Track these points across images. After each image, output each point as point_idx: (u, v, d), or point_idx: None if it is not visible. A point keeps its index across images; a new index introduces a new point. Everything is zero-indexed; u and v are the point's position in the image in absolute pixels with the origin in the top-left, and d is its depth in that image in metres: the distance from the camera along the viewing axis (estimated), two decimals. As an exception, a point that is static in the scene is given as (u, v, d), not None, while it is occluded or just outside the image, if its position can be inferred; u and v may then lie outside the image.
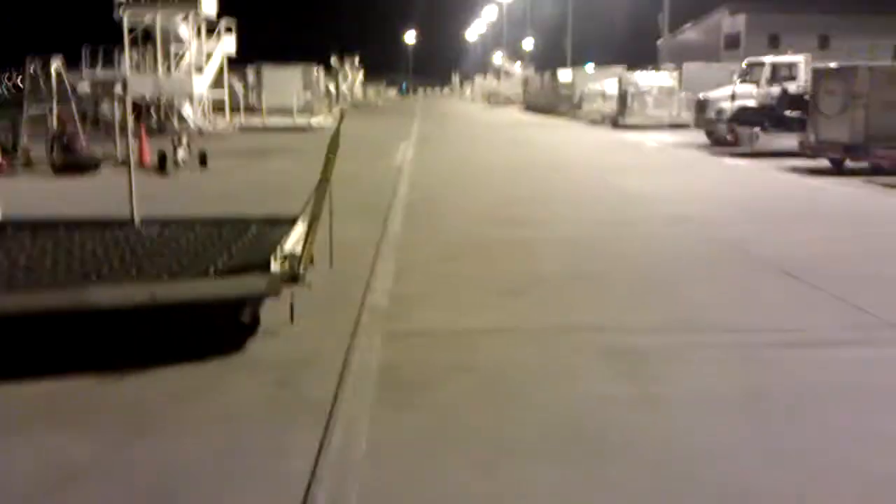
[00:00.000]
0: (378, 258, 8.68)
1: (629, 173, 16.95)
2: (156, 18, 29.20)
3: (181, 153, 17.84)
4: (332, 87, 52.06)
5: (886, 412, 4.68)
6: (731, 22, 60.09)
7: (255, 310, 5.84)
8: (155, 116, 30.25)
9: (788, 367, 5.33)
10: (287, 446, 4.17)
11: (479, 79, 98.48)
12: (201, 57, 31.06)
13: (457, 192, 14.52)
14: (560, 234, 10.20)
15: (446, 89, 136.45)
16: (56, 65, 19.12)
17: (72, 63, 32.91)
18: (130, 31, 29.77)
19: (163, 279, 5.65)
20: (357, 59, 78.75)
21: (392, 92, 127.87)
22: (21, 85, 22.93)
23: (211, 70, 31.71)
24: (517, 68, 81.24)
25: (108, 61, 31.40)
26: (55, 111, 18.68)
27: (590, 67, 49.38)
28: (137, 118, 30.46)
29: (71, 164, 17.13)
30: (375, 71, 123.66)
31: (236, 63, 44.58)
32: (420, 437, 4.30)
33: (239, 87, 43.27)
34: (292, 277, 5.89)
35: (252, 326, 5.95)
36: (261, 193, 14.00)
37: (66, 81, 19.97)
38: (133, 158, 18.37)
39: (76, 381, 5.02)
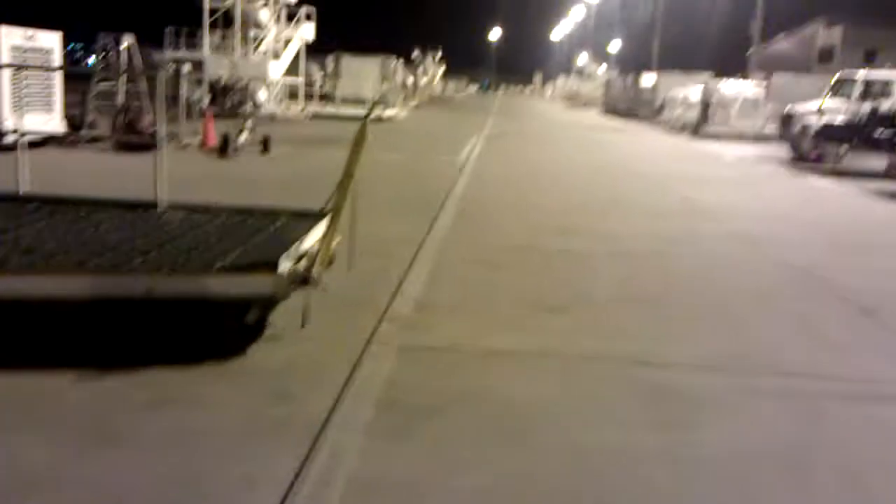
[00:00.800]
0: (415, 261, 8.17)
1: (701, 186, 16.07)
2: (236, 2, 29.30)
3: (244, 137, 17.66)
4: (410, 80, 51.69)
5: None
6: (826, 34, 57.75)
7: (262, 311, 5.39)
8: (230, 99, 30.46)
9: (850, 427, 4.61)
10: (256, 474, 3.67)
11: (561, 79, 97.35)
12: (279, 42, 31.13)
13: (516, 194, 13.91)
14: (618, 248, 9.51)
15: (528, 88, 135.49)
16: (128, 42, 19.14)
17: (158, 44, 33.68)
18: (212, 13, 29.95)
19: (163, 272, 5.24)
20: (439, 54, 78.61)
21: (473, 88, 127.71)
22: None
23: (288, 56, 31.75)
24: (601, 70, 79.86)
25: (192, 44, 31.74)
26: (123, 88, 18.70)
27: (664, 75, 47.89)
28: (213, 100, 30.95)
29: (133, 141, 17.15)
30: (458, 66, 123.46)
31: (316, 51, 44.88)
32: (407, 478, 3.76)
33: (318, 74, 43.41)
34: (304, 279, 5.44)
35: (258, 329, 5.52)
36: (312, 183, 13.61)
37: (139, 59, 20.06)
38: (197, 139, 18.64)
39: (53, 378, 4.64)
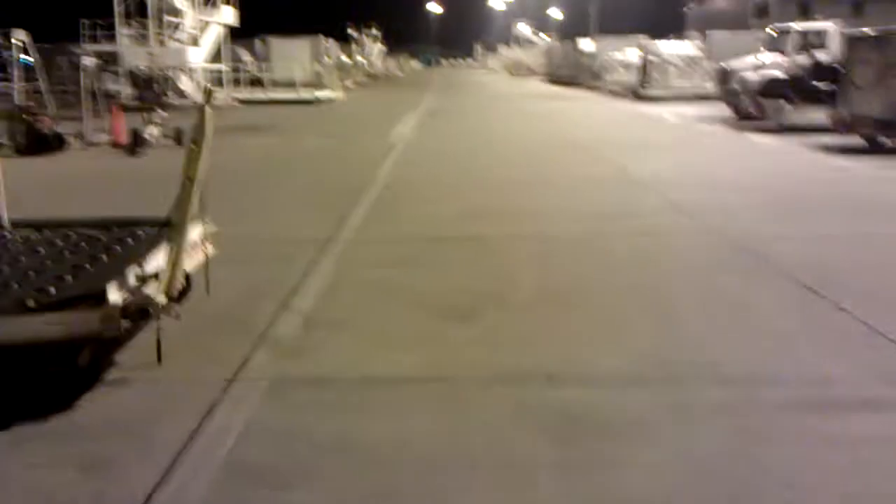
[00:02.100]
0: (316, 264, 7.24)
1: (642, 153, 15.30)
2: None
3: (153, 131, 16.46)
4: (345, 59, 50.27)
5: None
6: (760, -12, 57.55)
7: (96, 352, 4.45)
8: (150, 91, 29.02)
9: (799, 455, 3.82)
10: None
11: (503, 49, 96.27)
12: (197, 29, 29.67)
13: (446, 174, 13.02)
14: (547, 230, 8.68)
15: (471, 60, 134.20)
16: (19, 37, 17.75)
17: (73, 37, 31.96)
18: (121, 2, 28.41)
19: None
20: (375, 30, 77.02)
21: (415, 63, 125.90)
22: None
23: (208, 42, 30.31)
24: (543, 38, 78.97)
25: (113, 36, 30.14)
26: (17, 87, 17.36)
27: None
28: (141, 93, 29.48)
29: (34, 143, 15.92)
30: (399, 42, 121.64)
31: (246, 35, 43.30)
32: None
33: (247, 59, 41.89)
34: (142, 310, 4.51)
35: (93, 373, 4.58)
36: (220, 176, 12.63)
37: (36, 56, 18.67)
38: (109, 136, 17.43)
39: None
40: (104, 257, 5.10)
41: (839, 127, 16.01)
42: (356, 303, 6.18)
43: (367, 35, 73.91)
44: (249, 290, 6.40)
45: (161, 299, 4.55)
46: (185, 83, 29.43)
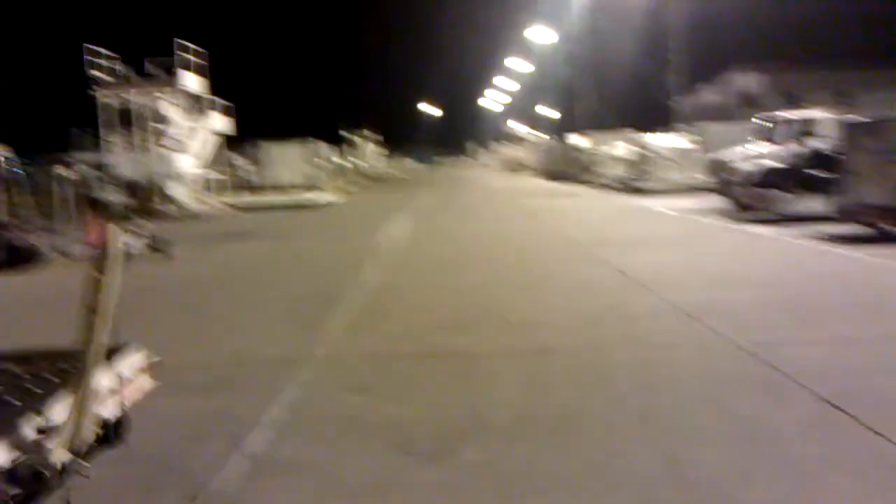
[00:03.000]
0: (278, 392, 6.43)
1: (635, 249, 14.66)
2: (130, 98, 27.70)
3: (129, 241, 15.80)
4: (339, 161, 50.36)
5: None
6: (744, 81, 58.43)
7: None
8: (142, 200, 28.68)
9: None
10: None
11: (495, 146, 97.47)
12: (185, 135, 29.53)
13: (423, 285, 12.33)
14: (535, 343, 7.90)
15: (462, 157, 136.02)
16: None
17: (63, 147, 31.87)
18: (105, 110, 28.35)
19: None
20: (368, 131, 77.65)
21: (409, 161, 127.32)
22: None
23: (198, 148, 30.12)
24: (534, 135, 79.77)
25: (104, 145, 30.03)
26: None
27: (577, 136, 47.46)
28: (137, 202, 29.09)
29: (8, 257, 15.28)
30: (392, 141, 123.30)
31: (236, 140, 43.44)
32: None
33: (239, 163, 41.89)
34: (36, 474, 3.69)
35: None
36: (190, 288, 11.97)
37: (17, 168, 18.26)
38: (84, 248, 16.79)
39: None
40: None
41: (842, 216, 15.41)
42: (316, 438, 5.35)
43: (361, 136, 74.57)
44: (193, 427, 5.59)
45: (61, 456, 3.74)
46: (175, 190, 29.06)
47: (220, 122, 31.71)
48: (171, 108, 28.94)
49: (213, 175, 31.84)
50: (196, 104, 30.28)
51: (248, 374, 6.94)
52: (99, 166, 30.36)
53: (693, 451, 4.88)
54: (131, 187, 29.32)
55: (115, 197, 28.74)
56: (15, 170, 18.73)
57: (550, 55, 69.33)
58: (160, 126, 28.88)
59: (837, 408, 5.50)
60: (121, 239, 12.33)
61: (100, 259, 3.84)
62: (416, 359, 7.38)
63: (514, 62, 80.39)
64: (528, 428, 5.43)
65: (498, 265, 13.48)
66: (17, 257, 15.37)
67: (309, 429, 5.58)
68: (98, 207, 26.21)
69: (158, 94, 28.65)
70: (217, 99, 31.06)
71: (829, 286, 10.47)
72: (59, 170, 17.54)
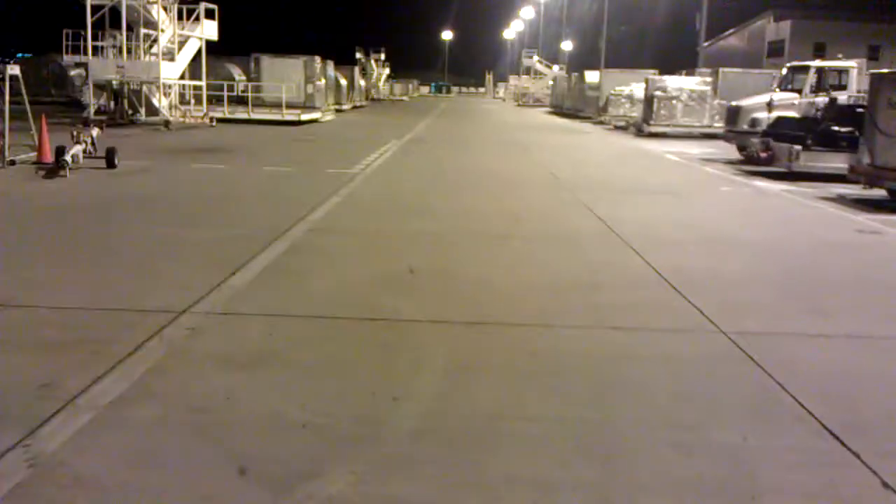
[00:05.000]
0: (128, 360, 5.13)
1: (632, 200, 13.22)
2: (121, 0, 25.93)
3: (76, 150, 14.46)
4: (343, 80, 48.46)
5: None
6: (775, 28, 55.91)
7: None
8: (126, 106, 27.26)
9: None
10: None
11: (513, 79, 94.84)
12: (174, 43, 27.86)
13: (400, 215, 11.02)
14: (473, 317, 6.59)
15: (480, 89, 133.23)
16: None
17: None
18: (96, 11, 26.61)
19: None
20: (383, 55, 75.55)
21: (424, 90, 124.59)
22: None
23: (184, 57, 28.47)
24: (555, 69, 77.24)
25: (95, 47, 28.40)
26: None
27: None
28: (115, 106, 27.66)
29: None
30: (410, 69, 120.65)
31: (243, 52, 41.56)
32: None
33: (240, 77, 40.19)
34: None
35: None
36: (120, 216, 10.68)
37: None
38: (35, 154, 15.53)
39: None
40: None
41: (861, 178, 13.91)
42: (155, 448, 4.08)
43: (375, 59, 72.46)
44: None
45: None
46: (159, 99, 27.60)
47: (212, 30, 29.94)
48: (162, 13, 27.24)
49: (201, 86, 30.23)
50: (189, 10, 28.51)
51: (108, 331, 5.64)
52: (85, 70, 28.93)
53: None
54: (114, 93, 27.93)
55: (93, 101, 27.40)
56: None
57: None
58: (150, 32, 27.21)
59: (837, 435, 4.20)
60: (73, 148, 10.80)
61: None
62: (330, 330, 6.06)
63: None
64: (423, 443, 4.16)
65: (474, 206, 12.10)
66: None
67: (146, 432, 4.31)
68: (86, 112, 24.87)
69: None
70: (210, 5, 29.18)
71: (843, 261, 9.08)
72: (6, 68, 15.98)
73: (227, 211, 10.94)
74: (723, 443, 4.10)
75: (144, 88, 27.33)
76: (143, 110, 27.41)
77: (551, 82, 67.43)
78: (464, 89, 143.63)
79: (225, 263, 7.48)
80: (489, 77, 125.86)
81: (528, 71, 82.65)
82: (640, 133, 30.81)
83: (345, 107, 46.02)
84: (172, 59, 27.73)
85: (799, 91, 20.09)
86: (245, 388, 4.61)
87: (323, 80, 40.87)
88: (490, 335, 5.81)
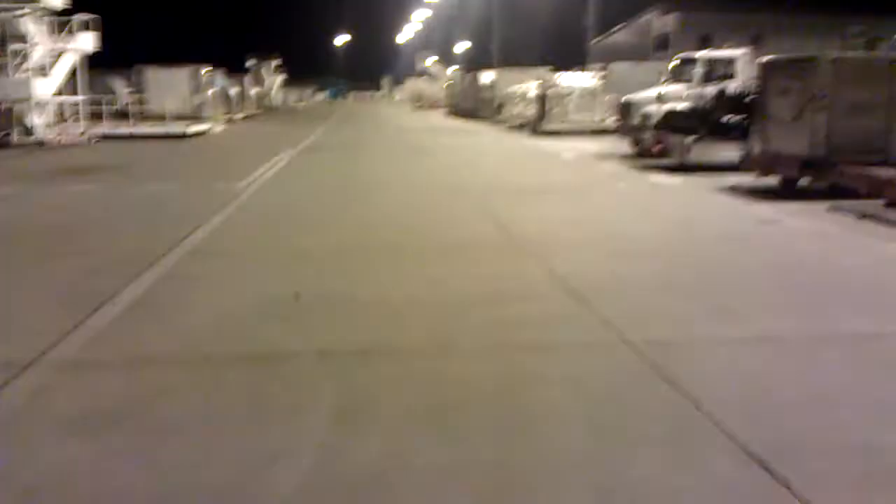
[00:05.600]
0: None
1: (530, 201, 12.88)
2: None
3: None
4: (233, 90, 47.05)
5: None
6: (661, 22, 57.15)
7: None
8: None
9: None
10: None
11: (409, 82, 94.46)
12: (48, 57, 26.23)
13: (288, 232, 10.34)
14: (357, 346, 6.03)
15: (378, 93, 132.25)
16: None
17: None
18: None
19: None
20: (276, 62, 73.95)
21: (321, 96, 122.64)
22: None
23: (60, 72, 26.84)
24: (448, 71, 77.11)
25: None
26: None
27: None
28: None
29: None
30: (304, 75, 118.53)
31: (126, 64, 39.70)
32: None
33: (122, 90, 38.42)
34: None
35: None
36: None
37: None
38: None
39: None
40: None
41: (754, 167, 13.95)
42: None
43: (269, 66, 70.85)
44: None
45: None
46: (32, 119, 25.92)
47: (88, 42, 28.31)
48: (33, 26, 25.57)
49: (79, 101, 28.62)
50: (62, 23, 26.88)
51: None
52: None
53: None
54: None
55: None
56: None
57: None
58: (20, 46, 25.53)
59: (761, 463, 3.81)
60: None
61: None
62: (199, 375, 5.38)
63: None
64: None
65: (364, 221, 11.51)
66: None
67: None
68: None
69: (20, 12, 25.19)
70: (87, 15, 27.53)
71: (743, 255, 8.89)
72: None
73: (98, 237, 10.02)
74: (644, 478, 3.66)
75: (16, 107, 25.65)
76: (14, 131, 25.74)
77: (447, 84, 67.27)
78: (360, 93, 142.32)
79: (85, 300, 6.69)
80: (386, 81, 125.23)
81: (424, 74, 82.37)
82: (535, 132, 30.74)
83: (236, 117, 44.69)
84: (46, 75, 26.13)
85: (689, 82, 20.24)
86: (90, 460, 3.92)
87: (211, 91, 39.53)
88: (382, 365, 5.25)
